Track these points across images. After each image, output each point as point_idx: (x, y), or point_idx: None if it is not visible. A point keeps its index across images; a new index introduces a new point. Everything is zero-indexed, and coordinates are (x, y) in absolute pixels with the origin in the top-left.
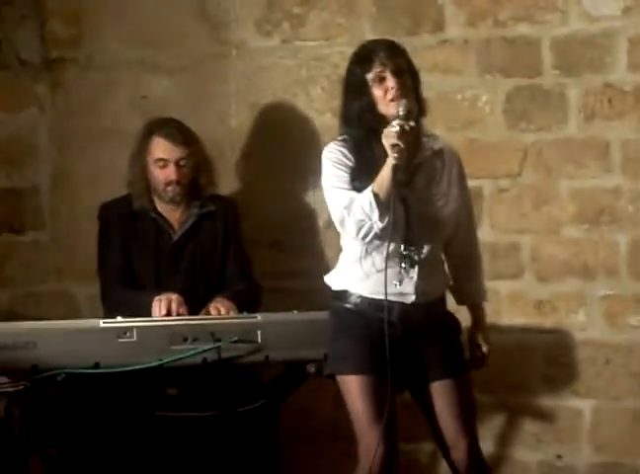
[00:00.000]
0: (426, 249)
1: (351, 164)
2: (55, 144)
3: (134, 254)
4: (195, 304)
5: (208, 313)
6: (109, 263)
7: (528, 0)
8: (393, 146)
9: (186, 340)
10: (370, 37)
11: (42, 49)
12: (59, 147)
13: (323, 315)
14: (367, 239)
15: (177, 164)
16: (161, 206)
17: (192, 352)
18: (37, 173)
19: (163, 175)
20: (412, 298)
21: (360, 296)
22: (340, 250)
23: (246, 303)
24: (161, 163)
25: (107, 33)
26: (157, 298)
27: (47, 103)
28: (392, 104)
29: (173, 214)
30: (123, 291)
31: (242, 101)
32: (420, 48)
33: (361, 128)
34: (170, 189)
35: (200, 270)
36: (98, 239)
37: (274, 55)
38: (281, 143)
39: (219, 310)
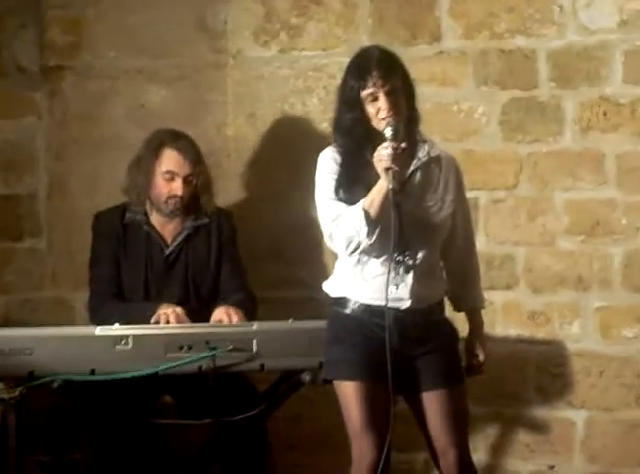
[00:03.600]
0: (420, 254)
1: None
2: (53, 152)
3: (124, 266)
4: (187, 318)
5: (218, 320)
6: (99, 274)
7: (525, 12)
8: (387, 169)
9: (181, 348)
10: None
11: (41, 58)
12: (57, 155)
13: (318, 324)
14: (354, 254)
15: (184, 179)
16: (155, 219)
17: (187, 360)
18: (34, 180)
19: (168, 187)
20: (407, 304)
21: (357, 302)
22: (336, 257)
23: (246, 314)
24: (168, 175)
25: (105, 42)
26: (162, 311)
27: (45, 111)
28: (384, 122)
29: (166, 227)
30: (117, 303)
31: (239, 110)
32: (417, 60)
33: (352, 139)
34: (172, 202)
35: (193, 283)
36: (90, 249)
37: (271, 65)
38: (279, 153)
39: (231, 316)
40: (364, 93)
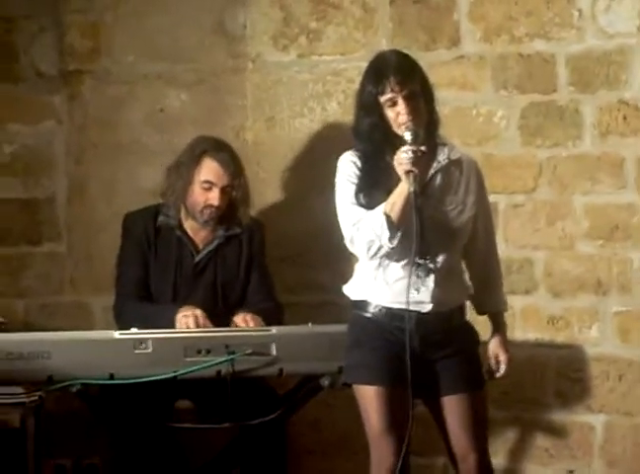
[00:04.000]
0: (441, 257)
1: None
2: (72, 156)
3: (153, 269)
4: (213, 325)
5: (237, 325)
6: (127, 275)
7: (544, 16)
8: (407, 173)
9: (200, 352)
10: None
11: (60, 62)
12: (76, 159)
13: (337, 328)
14: (375, 258)
15: (222, 190)
16: (188, 224)
17: (206, 364)
18: (53, 185)
19: (205, 197)
20: (428, 307)
21: (379, 306)
22: (356, 261)
23: (269, 322)
24: (207, 185)
25: (124, 46)
26: (183, 314)
27: (64, 115)
28: (403, 126)
29: (198, 234)
30: (141, 304)
31: (258, 115)
32: (436, 64)
33: (372, 144)
34: (207, 212)
35: (221, 291)
36: (119, 249)
37: (290, 70)
38: (298, 157)
39: (247, 322)
40: (383, 98)
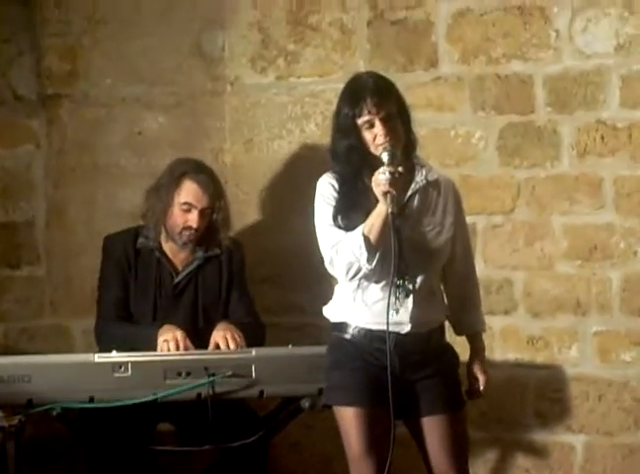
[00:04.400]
0: (420, 279)
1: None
2: (51, 180)
3: (133, 291)
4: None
5: (217, 345)
6: (107, 297)
7: (521, 37)
8: (385, 194)
9: (180, 374)
10: None
11: (38, 85)
12: (55, 182)
13: (317, 350)
14: (355, 279)
15: (201, 212)
16: (167, 246)
17: (186, 386)
18: (32, 208)
19: (184, 219)
20: (407, 328)
21: (358, 327)
22: (336, 282)
23: (250, 337)
24: (186, 207)
25: (102, 69)
26: (163, 339)
27: (43, 138)
28: (381, 147)
29: (178, 255)
30: (122, 325)
31: (237, 137)
32: (413, 85)
33: (349, 166)
34: (186, 234)
35: (202, 312)
36: (100, 271)
37: (268, 92)
38: (276, 179)
39: (227, 340)
40: (360, 121)
